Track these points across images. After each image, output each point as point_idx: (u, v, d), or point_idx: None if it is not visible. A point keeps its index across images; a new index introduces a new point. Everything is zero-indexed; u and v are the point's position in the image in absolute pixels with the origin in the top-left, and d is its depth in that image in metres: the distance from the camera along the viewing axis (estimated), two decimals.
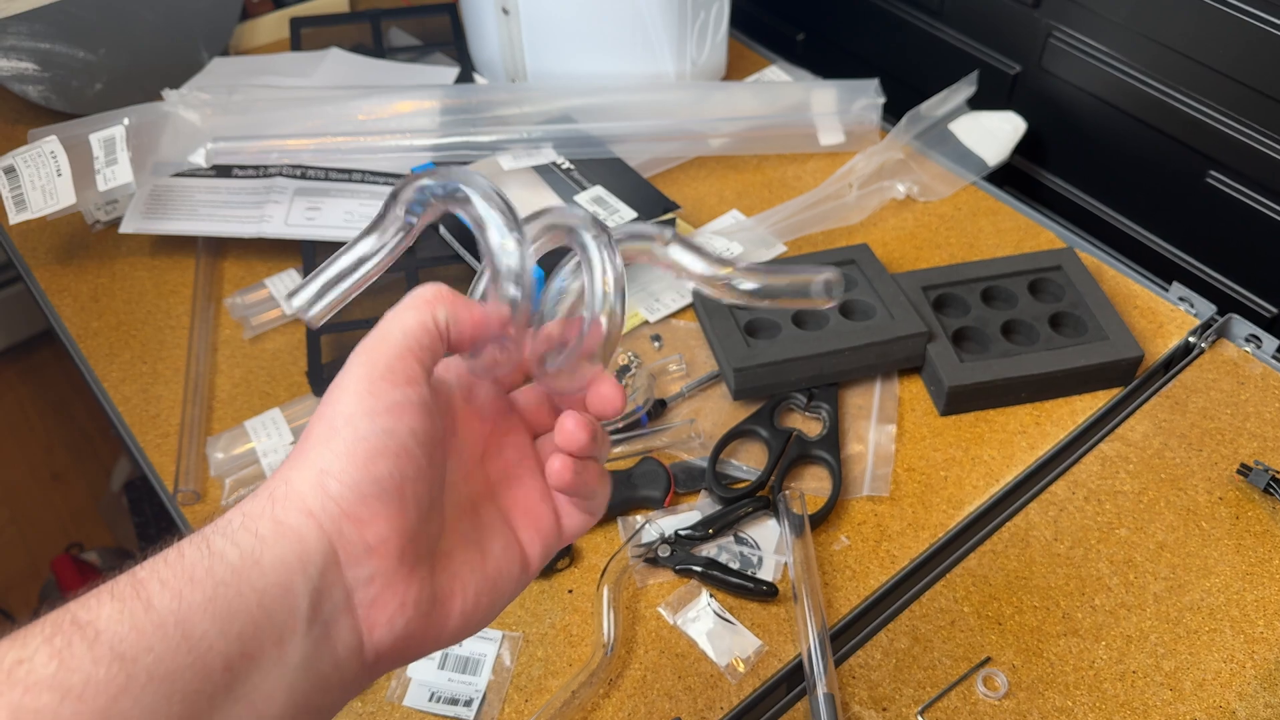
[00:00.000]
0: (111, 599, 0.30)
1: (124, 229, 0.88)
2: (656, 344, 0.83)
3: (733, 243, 0.88)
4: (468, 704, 0.62)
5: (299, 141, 0.87)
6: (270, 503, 0.34)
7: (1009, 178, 1.05)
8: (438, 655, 0.64)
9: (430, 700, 0.63)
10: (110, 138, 0.84)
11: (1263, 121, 0.85)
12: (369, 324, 0.36)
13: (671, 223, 0.88)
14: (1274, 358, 0.81)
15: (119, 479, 1.73)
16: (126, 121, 0.85)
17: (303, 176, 0.90)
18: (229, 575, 0.31)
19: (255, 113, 0.88)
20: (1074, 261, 0.83)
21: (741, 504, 0.71)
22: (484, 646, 0.65)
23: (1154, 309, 0.85)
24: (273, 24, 1.13)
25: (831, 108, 0.99)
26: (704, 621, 0.66)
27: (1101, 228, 1.02)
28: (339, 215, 0.87)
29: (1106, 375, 0.78)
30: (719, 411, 0.78)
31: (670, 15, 0.95)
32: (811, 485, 0.74)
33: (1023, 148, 1.00)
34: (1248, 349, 0.82)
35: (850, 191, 0.94)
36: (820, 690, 0.61)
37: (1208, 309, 0.84)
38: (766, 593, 0.67)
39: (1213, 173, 0.90)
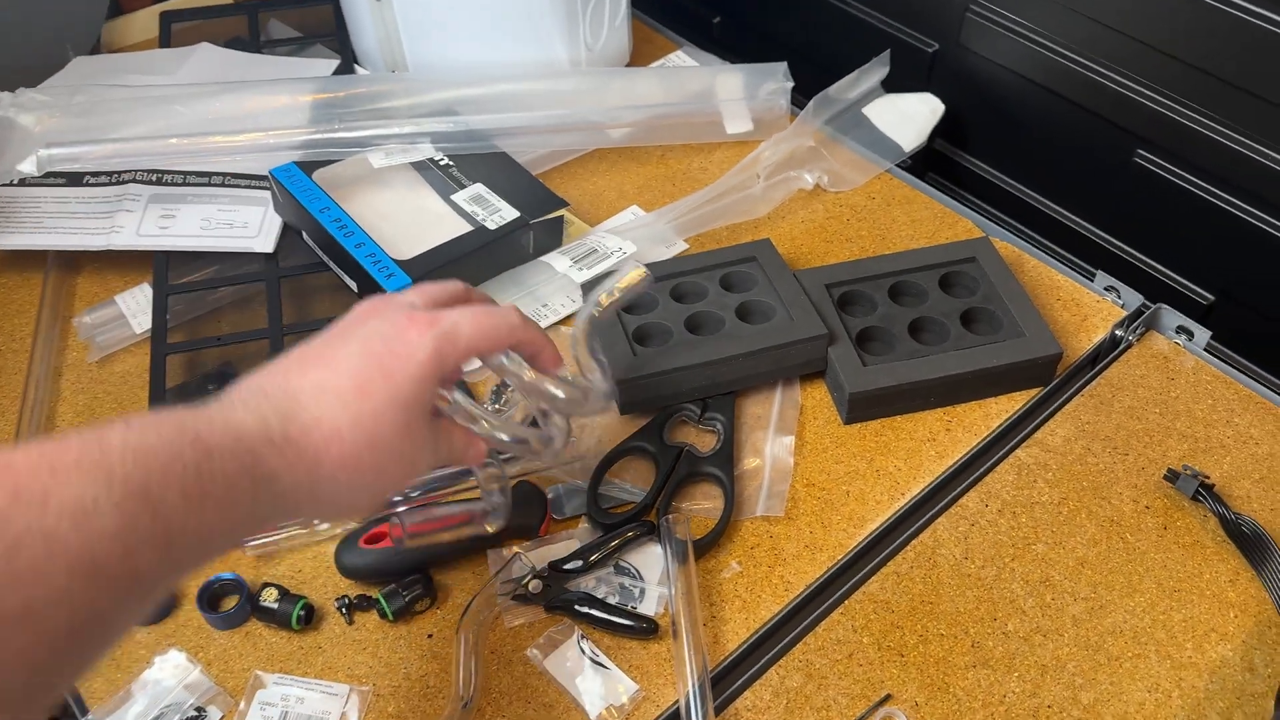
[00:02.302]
0: None
1: None
2: None
3: (626, 241, 0.81)
4: None
5: (146, 144, 0.80)
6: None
7: (929, 162, 0.99)
8: (275, 714, 0.57)
9: None
10: None
11: (1193, 97, 0.79)
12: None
13: (559, 220, 0.81)
14: (1206, 350, 0.75)
15: None
16: None
17: (158, 182, 0.82)
18: None
19: (100, 114, 0.80)
20: (989, 252, 0.77)
21: (623, 530, 0.65)
22: (328, 703, 0.58)
23: (1078, 300, 0.79)
24: (146, 20, 1.05)
25: (738, 93, 0.93)
26: (575, 666, 0.59)
27: (1026, 213, 0.96)
28: (195, 223, 0.80)
29: (1023, 375, 0.72)
30: (607, 427, 0.72)
31: None
32: (704, 505, 0.67)
33: (942, 130, 0.94)
34: (1178, 341, 0.76)
35: (756, 182, 0.87)
36: None
37: (1135, 299, 0.78)
38: (646, 630, 0.60)
39: (1141, 152, 0.84)
